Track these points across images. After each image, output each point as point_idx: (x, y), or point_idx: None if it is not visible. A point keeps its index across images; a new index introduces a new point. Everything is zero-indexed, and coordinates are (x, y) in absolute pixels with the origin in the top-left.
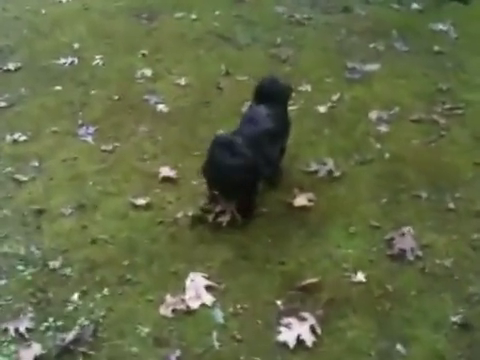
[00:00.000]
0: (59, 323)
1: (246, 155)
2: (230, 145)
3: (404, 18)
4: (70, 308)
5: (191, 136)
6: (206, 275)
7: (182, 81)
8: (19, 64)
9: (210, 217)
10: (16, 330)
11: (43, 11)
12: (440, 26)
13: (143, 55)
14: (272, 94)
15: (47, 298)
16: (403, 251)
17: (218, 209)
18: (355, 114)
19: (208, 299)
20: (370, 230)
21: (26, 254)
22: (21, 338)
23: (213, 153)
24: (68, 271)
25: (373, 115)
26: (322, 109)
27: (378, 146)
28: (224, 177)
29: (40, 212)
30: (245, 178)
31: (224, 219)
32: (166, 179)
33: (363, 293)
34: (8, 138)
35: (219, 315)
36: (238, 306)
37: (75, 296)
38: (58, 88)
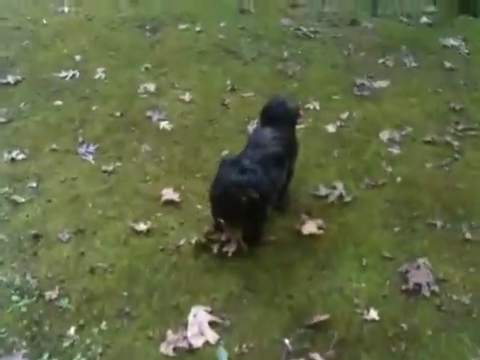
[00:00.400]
0: None
1: (255, 171)
2: (238, 163)
3: (413, 32)
4: (66, 344)
5: (195, 156)
6: (209, 309)
7: (186, 97)
8: (19, 77)
9: (215, 247)
10: None
11: (44, 21)
12: (451, 41)
13: (146, 68)
14: (279, 116)
15: (42, 332)
16: (418, 286)
17: (223, 238)
18: (365, 134)
19: (212, 337)
20: (383, 261)
21: (22, 283)
22: None
23: (221, 173)
24: (65, 303)
25: (384, 136)
26: (331, 128)
27: (390, 169)
28: (232, 196)
29: (37, 237)
30: (255, 207)
31: (230, 249)
32: (169, 202)
33: (376, 332)
34: (6, 156)
35: (224, 356)
36: (244, 345)
37: (72, 330)
38: (59, 103)
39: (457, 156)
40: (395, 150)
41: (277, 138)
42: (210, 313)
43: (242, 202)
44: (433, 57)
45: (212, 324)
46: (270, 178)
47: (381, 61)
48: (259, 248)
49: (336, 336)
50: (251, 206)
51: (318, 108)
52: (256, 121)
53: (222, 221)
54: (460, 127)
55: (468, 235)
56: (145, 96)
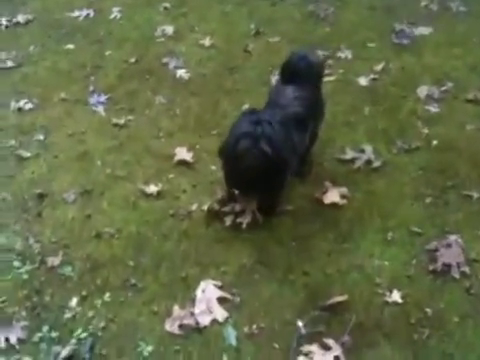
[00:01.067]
0: (54, 334)
1: (271, 123)
2: (253, 114)
3: None
4: (68, 316)
5: (212, 110)
6: (219, 283)
7: (206, 41)
8: (30, 16)
9: (228, 219)
10: (6, 340)
11: None
12: None
13: (165, 8)
14: (301, 73)
15: (43, 302)
16: (447, 266)
17: (237, 208)
18: (401, 89)
19: (220, 314)
20: (410, 237)
21: (24, 248)
22: (11, 350)
23: (234, 125)
24: (68, 270)
25: (422, 91)
26: (363, 81)
27: (426, 131)
28: (249, 172)
29: (42, 196)
30: (272, 173)
31: (244, 220)
32: (181, 162)
33: (398, 316)
34: (13, 105)
35: (232, 335)
36: (254, 326)
37: (74, 301)
38: (70, 47)
39: None
40: (433, 108)
41: (299, 97)
42: (220, 288)
43: (254, 157)
44: None
45: (221, 300)
46: (290, 142)
47: (424, 4)
48: (275, 218)
49: (353, 320)
50: (265, 166)
51: (350, 57)
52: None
53: (236, 192)
54: None
55: None
56: (162, 40)
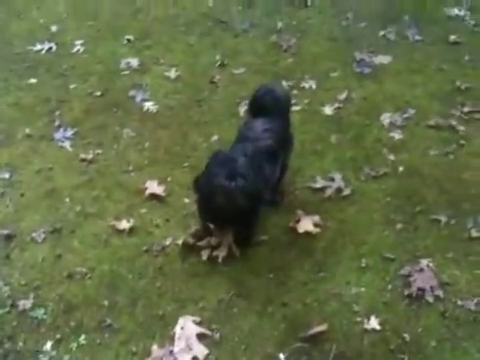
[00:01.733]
0: None
1: (245, 176)
2: (227, 163)
3: (416, 1)
4: None
5: (182, 143)
6: (198, 319)
7: (172, 73)
8: None
9: (205, 254)
10: None
11: None
12: (456, 11)
13: (128, 40)
14: (269, 106)
15: (16, 348)
16: (422, 291)
17: (213, 242)
18: (365, 117)
19: (200, 351)
20: (384, 263)
21: None
22: None
23: (208, 171)
24: (40, 313)
25: (385, 119)
26: (328, 111)
27: (391, 157)
28: (226, 204)
29: (10, 237)
30: (248, 204)
31: (220, 254)
32: (153, 196)
33: (377, 344)
34: None
35: None
36: None
37: (48, 345)
38: (33, 81)
39: (462, 142)
40: (397, 135)
41: (269, 130)
42: (198, 324)
43: (229, 209)
44: (437, 29)
45: (201, 336)
46: (262, 174)
47: (382, 33)
48: (251, 249)
49: (334, 350)
50: (240, 211)
51: (314, 87)
52: (247, 102)
53: (211, 226)
54: (466, 109)
55: (474, 232)
56: (127, 72)
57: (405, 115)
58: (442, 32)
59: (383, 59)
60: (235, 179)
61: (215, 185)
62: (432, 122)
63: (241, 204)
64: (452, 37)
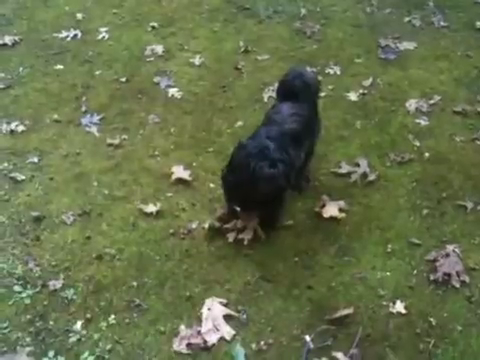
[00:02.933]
0: (60, 359)
1: (284, 161)
2: (262, 152)
3: None
4: (73, 339)
5: (206, 128)
6: (225, 301)
7: (196, 60)
8: (17, 38)
9: (231, 236)
10: None
11: None
12: None
13: (153, 27)
14: (298, 91)
15: (47, 327)
16: (448, 276)
17: (239, 225)
18: (390, 103)
19: (227, 332)
20: (410, 248)
21: (24, 272)
22: None
23: (241, 161)
24: (70, 293)
25: (411, 105)
26: (353, 97)
27: (417, 143)
28: (271, 189)
29: (39, 219)
30: (278, 189)
31: (246, 237)
32: (179, 181)
33: (403, 327)
34: (4, 127)
35: (241, 353)
36: (261, 342)
37: (78, 325)
38: (60, 67)
39: None
40: (423, 121)
41: (295, 114)
42: (225, 305)
43: (272, 192)
44: (463, 15)
45: (227, 318)
46: (287, 156)
47: (407, 19)
48: (276, 233)
49: (360, 332)
50: (273, 195)
51: (339, 73)
52: (271, 88)
53: (238, 209)
54: None
55: None
56: (152, 59)
57: (431, 101)
58: (467, 18)
59: (408, 45)
60: (276, 165)
61: (260, 175)
62: (458, 108)
63: (283, 185)
64: (478, 23)
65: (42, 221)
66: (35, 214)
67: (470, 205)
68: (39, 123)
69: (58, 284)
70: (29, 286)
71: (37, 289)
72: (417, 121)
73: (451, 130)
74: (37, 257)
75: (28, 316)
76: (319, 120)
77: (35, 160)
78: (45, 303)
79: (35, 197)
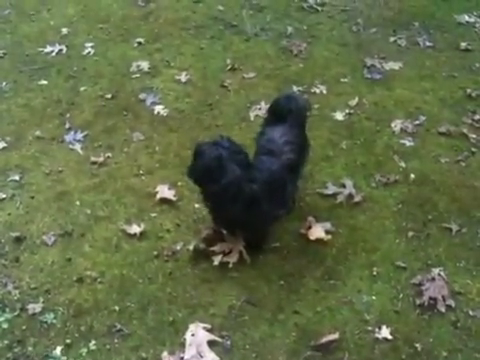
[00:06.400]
0: None
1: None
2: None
3: (426, 7)
4: None
5: (192, 146)
6: (209, 326)
7: (182, 77)
8: (0, 52)
9: (216, 259)
10: None
11: None
12: (466, 17)
13: (139, 43)
14: (291, 115)
15: (26, 353)
16: (433, 300)
17: (225, 248)
18: (376, 123)
19: (211, 359)
20: (395, 271)
21: (2, 295)
22: None
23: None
24: (50, 318)
25: (396, 125)
26: (339, 116)
27: (402, 164)
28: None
29: (19, 240)
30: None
31: (231, 259)
32: (164, 201)
33: (389, 353)
34: None
35: None
36: None
37: (58, 350)
38: (44, 83)
39: (474, 150)
40: (408, 142)
41: (289, 142)
42: (209, 331)
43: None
44: (448, 36)
45: (211, 343)
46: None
47: (393, 39)
48: (262, 256)
49: (346, 359)
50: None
51: (325, 92)
52: (258, 107)
53: (223, 231)
54: (477, 117)
55: None
56: (138, 75)
57: (416, 122)
58: (452, 38)
59: (394, 65)
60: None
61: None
62: (443, 129)
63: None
64: (463, 44)
65: (22, 242)
66: (15, 234)
67: (455, 227)
68: (21, 140)
69: (37, 308)
70: (7, 309)
71: (16, 313)
72: (402, 142)
73: (436, 151)
74: (16, 279)
75: (6, 341)
76: (309, 144)
77: (16, 178)
78: (23, 327)
79: (16, 216)
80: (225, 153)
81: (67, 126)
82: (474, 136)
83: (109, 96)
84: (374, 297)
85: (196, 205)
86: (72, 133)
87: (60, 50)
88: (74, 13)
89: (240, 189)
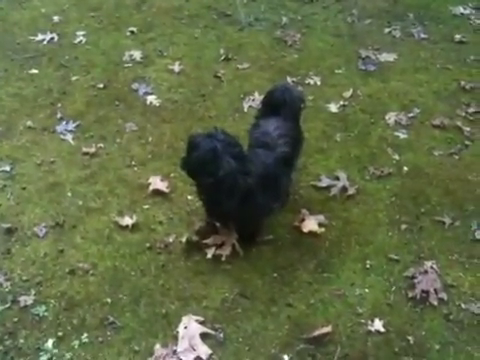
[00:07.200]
0: None
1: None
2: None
3: None
4: (44, 358)
5: (185, 137)
6: (201, 319)
7: (176, 67)
8: None
9: (210, 252)
10: None
11: None
12: (461, 9)
13: (132, 32)
14: (286, 106)
15: (17, 345)
16: (426, 293)
17: (218, 241)
18: (370, 115)
19: (204, 351)
20: (388, 264)
21: None
22: None
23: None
24: (42, 310)
25: (390, 118)
26: (333, 108)
27: (396, 157)
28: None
29: (10, 231)
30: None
31: (224, 252)
32: (156, 192)
33: (381, 346)
34: None
35: None
36: None
37: (49, 343)
38: (35, 72)
39: (467, 143)
40: (402, 134)
41: (283, 135)
42: (202, 323)
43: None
44: (442, 28)
45: (204, 336)
46: (278, 186)
47: (387, 30)
48: (255, 248)
49: (338, 352)
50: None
51: (319, 84)
52: (251, 98)
53: (218, 224)
54: (471, 110)
55: (478, 234)
56: (130, 65)
57: (410, 114)
58: (447, 30)
59: (388, 57)
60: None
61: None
62: (437, 122)
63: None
64: (457, 36)
65: (13, 233)
66: (6, 226)
67: (448, 221)
68: (12, 130)
69: (29, 300)
70: None
71: (7, 305)
72: (396, 134)
73: (430, 144)
74: (7, 271)
75: None
76: (303, 137)
77: (7, 169)
78: (15, 320)
79: (6, 208)
80: (220, 145)
81: (58, 116)
82: (468, 129)
83: (101, 86)
84: (367, 290)
85: (189, 197)
86: (64, 123)
87: (51, 38)
88: (66, 1)
89: (235, 182)
